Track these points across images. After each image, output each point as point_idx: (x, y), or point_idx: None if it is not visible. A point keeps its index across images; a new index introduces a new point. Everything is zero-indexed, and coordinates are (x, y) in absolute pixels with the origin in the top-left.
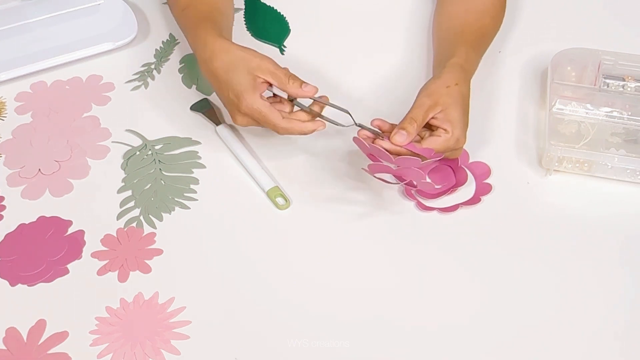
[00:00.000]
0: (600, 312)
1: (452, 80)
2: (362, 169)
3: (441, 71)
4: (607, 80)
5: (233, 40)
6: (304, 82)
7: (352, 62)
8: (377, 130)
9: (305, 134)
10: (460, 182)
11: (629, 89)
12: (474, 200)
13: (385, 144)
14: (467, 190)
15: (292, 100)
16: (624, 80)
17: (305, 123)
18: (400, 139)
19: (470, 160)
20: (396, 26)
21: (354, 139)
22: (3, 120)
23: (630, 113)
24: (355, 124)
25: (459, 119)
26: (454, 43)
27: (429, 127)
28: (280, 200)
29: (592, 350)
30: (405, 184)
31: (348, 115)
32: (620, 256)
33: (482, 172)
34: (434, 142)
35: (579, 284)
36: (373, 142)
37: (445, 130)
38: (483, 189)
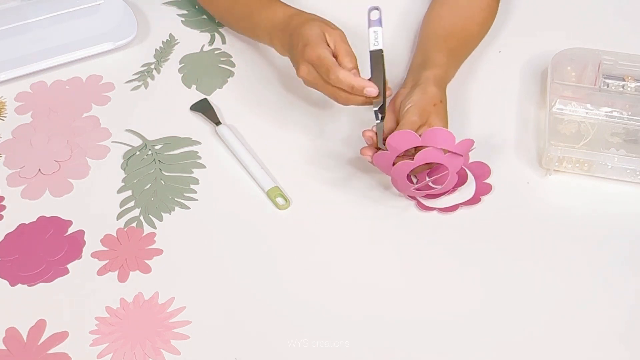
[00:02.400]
0: (601, 311)
1: (438, 97)
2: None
3: (426, 85)
4: (607, 80)
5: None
6: (357, 70)
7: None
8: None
9: (353, 89)
10: (460, 182)
11: (629, 89)
12: (474, 200)
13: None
14: (467, 190)
15: None
16: (624, 80)
17: (357, 78)
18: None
19: (470, 160)
20: (398, 27)
21: (376, 158)
22: (3, 120)
23: (630, 113)
24: (377, 120)
25: None
26: (436, 47)
27: None
28: (280, 200)
29: (594, 349)
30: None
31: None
32: (621, 256)
33: (482, 172)
34: None
35: (579, 283)
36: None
37: None
38: (483, 189)
